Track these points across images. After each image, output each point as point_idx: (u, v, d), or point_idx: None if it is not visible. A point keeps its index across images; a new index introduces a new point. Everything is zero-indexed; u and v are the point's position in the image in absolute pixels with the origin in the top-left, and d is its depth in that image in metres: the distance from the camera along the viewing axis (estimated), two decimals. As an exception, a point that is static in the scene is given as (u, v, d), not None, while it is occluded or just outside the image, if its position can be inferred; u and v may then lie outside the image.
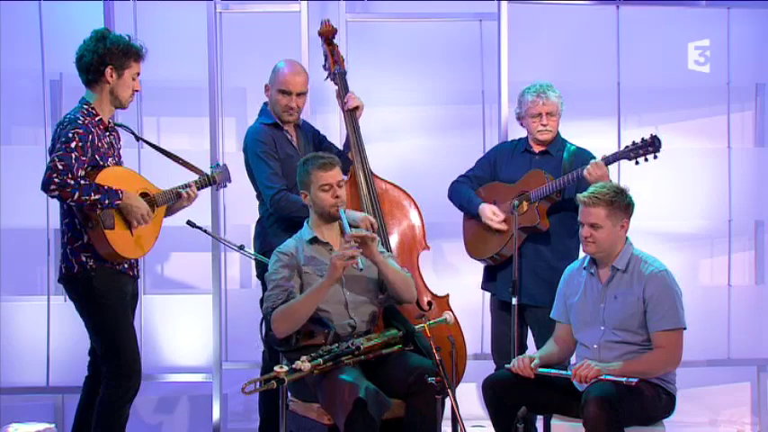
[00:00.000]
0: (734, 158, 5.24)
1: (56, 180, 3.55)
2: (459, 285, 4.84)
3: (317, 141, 4.53)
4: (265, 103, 4.40)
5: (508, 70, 4.95)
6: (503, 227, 4.32)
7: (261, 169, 4.24)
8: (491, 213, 4.36)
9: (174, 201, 3.93)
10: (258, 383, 3.49)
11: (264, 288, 4.30)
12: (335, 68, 4.52)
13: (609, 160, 4.15)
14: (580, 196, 3.80)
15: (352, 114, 4.47)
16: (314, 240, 3.85)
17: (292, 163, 4.29)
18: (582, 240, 3.81)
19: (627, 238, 3.84)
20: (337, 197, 3.81)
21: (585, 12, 5.25)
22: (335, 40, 4.57)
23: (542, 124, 4.33)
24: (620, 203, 3.76)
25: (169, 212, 4.01)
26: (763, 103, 5.36)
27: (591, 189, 3.80)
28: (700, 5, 5.22)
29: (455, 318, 4.02)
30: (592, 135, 4.89)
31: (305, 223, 3.91)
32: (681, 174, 5.19)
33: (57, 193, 3.56)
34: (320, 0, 5.14)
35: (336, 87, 4.53)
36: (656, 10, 5.19)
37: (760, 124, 5.37)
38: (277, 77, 4.31)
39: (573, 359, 4.05)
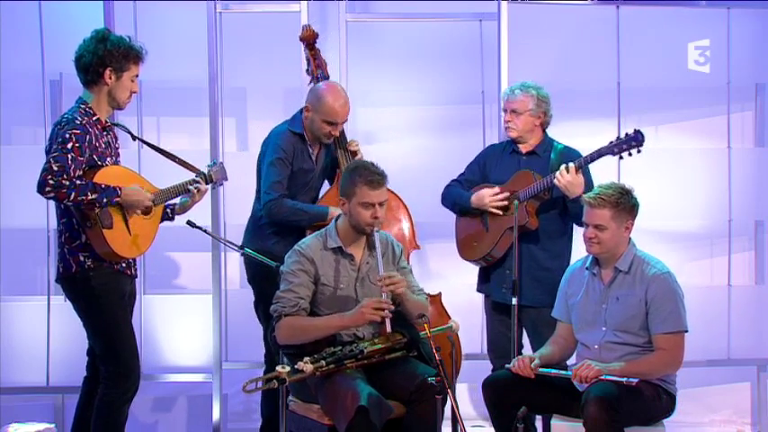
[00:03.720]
0: (734, 158, 5.23)
1: (50, 182, 3.54)
2: (458, 285, 4.84)
3: (336, 161, 4.52)
4: (301, 111, 4.36)
5: (508, 70, 4.94)
6: (502, 202, 4.29)
7: (269, 174, 4.26)
8: (489, 194, 4.33)
9: (178, 195, 3.96)
10: (259, 383, 3.48)
11: (256, 291, 4.33)
12: (318, 72, 4.52)
13: (593, 157, 4.14)
14: (585, 197, 3.81)
15: (347, 154, 4.45)
16: (338, 250, 3.80)
17: (305, 177, 4.33)
18: (586, 241, 3.82)
19: (630, 239, 3.84)
20: (376, 217, 3.72)
21: (585, 12, 5.24)
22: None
23: (506, 120, 4.35)
24: (626, 205, 3.76)
25: (183, 210, 4.03)
26: (763, 103, 5.36)
27: (596, 190, 3.81)
28: (700, 5, 5.22)
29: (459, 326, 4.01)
30: (592, 135, 4.88)
31: (332, 226, 3.83)
32: (681, 174, 5.19)
33: (52, 194, 3.56)
34: (320, 0, 5.14)
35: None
36: (656, 10, 5.18)
37: (760, 124, 5.37)
38: (324, 107, 4.26)
39: (573, 359, 4.05)
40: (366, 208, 3.71)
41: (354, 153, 4.47)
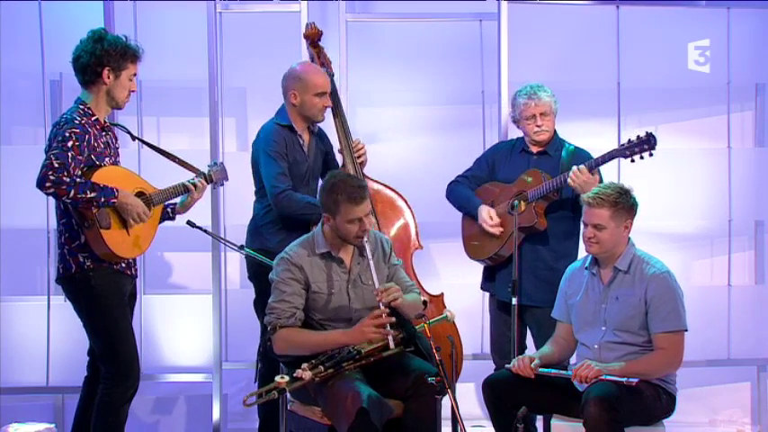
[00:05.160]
0: (734, 158, 5.23)
1: (51, 177, 3.55)
2: (458, 285, 4.84)
3: (330, 157, 4.52)
4: (284, 105, 4.38)
5: (508, 70, 4.94)
6: (496, 231, 4.32)
7: (269, 167, 4.24)
8: (487, 216, 4.35)
9: (178, 195, 3.96)
10: (260, 395, 3.45)
11: (256, 289, 4.33)
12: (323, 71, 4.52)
13: (605, 159, 4.16)
14: (584, 197, 3.81)
15: (345, 128, 4.44)
16: (326, 255, 3.76)
17: (299, 168, 4.31)
18: (585, 241, 3.82)
19: (629, 238, 3.84)
20: (365, 230, 3.66)
21: (585, 12, 5.24)
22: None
23: (537, 125, 4.33)
24: (624, 204, 3.76)
25: (184, 209, 4.03)
26: (763, 103, 5.36)
27: (595, 190, 3.81)
28: (700, 5, 5.22)
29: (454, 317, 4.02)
30: (592, 135, 4.89)
31: (319, 230, 3.78)
32: (681, 174, 5.18)
33: (52, 190, 3.56)
34: (320, 0, 5.14)
35: None
36: (656, 10, 5.18)
37: (760, 124, 5.36)
38: (309, 82, 4.28)
39: (573, 359, 4.05)
40: (353, 223, 3.65)
41: (359, 156, 4.46)
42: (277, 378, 3.42)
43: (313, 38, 4.55)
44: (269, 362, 3.94)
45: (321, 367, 3.51)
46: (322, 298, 3.73)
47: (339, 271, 3.76)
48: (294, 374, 3.45)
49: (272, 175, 4.23)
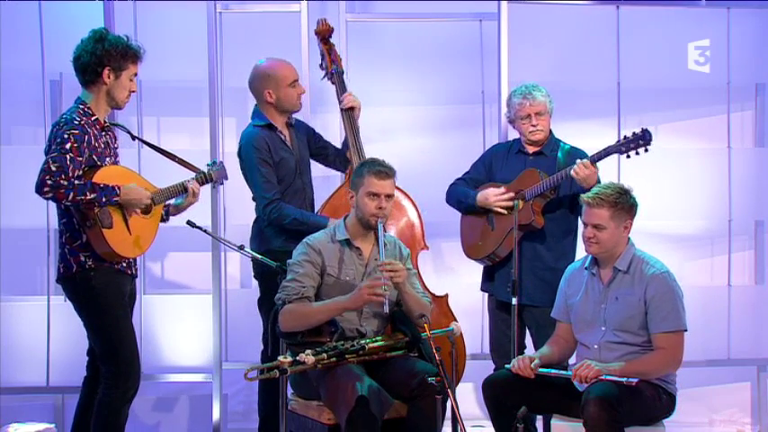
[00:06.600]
0: (734, 158, 5.23)
1: (48, 182, 3.54)
2: (458, 285, 4.84)
3: (314, 140, 4.54)
4: (257, 106, 4.39)
5: (508, 70, 4.95)
6: (508, 201, 4.30)
7: (255, 178, 4.26)
8: (492, 191, 4.34)
9: (178, 195, 3.96)
10: (261, 371, 3.51)
11: (262, 288, 4.33)
12: (332, 68, 4.53)
13: (601, 155, 4.16)
14: (584, 197, 3.81)
15: (349, 114, 4.47)
16: (346, 242, 3.84)
17: (288, 163, 4.31)
18: (585, 241, 3.82)
19: (629, 238, 3.84)
20: (381, 208, 3.78)
21: (585, 12, 5.24)
22: (332, 40, 4.58)
23: (532, 125, 4.34)
24: (624, 205, 3.76)
25: (177, 211, 4.03)
26: (763, 103, 5.36)
27: (595, 190, 3.81)
28: (700, 5, 5.22)
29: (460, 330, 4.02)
30: (592, 135, 4.89)
31: (341, 222, 3.90)
32: (681, 174, 5.19)
33: (50, 194, 3.56)
34: (320, 0, 5.14)
35: (334, 87, 4.54)
36: (656, 10, 5.18)
37: (760, 124, 5.37)
38: (280, 76, 4.31)
39: (573, 359, 4.05)
40: (372, 198, 3.77)
41: (352, 108, 4.47)
42: (280, 357, 3.47)
43: (324, 34, 4.56)
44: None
45: (324, 355, 3.55)
46: (337, 283, 3.80)
47: (356, 260, 3.84)
48: (297, 358, 3.49)
49: (259, 185, 4.25)
